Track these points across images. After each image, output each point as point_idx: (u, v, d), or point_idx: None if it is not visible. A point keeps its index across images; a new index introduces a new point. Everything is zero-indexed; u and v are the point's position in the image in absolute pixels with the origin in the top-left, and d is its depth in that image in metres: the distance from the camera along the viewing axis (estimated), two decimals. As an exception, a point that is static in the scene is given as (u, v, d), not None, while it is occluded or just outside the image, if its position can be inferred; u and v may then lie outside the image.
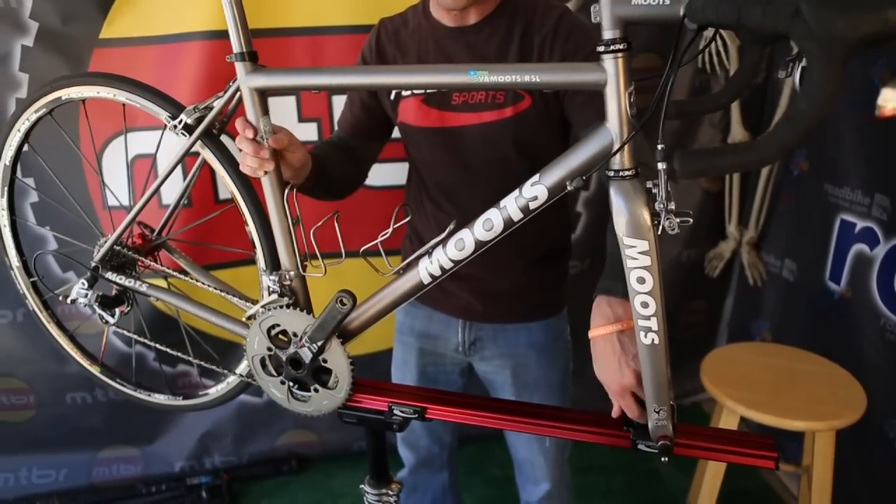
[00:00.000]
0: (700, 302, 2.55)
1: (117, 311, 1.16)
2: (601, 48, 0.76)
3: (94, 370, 1.30)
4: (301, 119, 1.94)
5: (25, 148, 1.17)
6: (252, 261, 1.06)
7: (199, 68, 1.82)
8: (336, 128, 1.40)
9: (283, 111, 1.92)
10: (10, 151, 1.17)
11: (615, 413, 0.96)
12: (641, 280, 0.80)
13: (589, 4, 1.98)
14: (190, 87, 1.83)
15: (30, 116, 1.12)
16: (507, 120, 1.19)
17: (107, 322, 1.16)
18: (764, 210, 2.31)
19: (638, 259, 0.79)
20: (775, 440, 0.92)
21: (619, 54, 0.76)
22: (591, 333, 0.96)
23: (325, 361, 1.02)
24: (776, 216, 2.32)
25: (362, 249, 0.94)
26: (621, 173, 0.79)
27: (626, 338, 0.91)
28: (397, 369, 1.56)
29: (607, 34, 0.75)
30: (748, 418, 1.63)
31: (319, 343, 0.99)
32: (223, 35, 1.67)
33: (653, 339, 0.84)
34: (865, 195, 1.91)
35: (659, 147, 0.72)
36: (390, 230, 0.93)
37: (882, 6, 0.52)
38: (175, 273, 1.14)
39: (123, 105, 1.05)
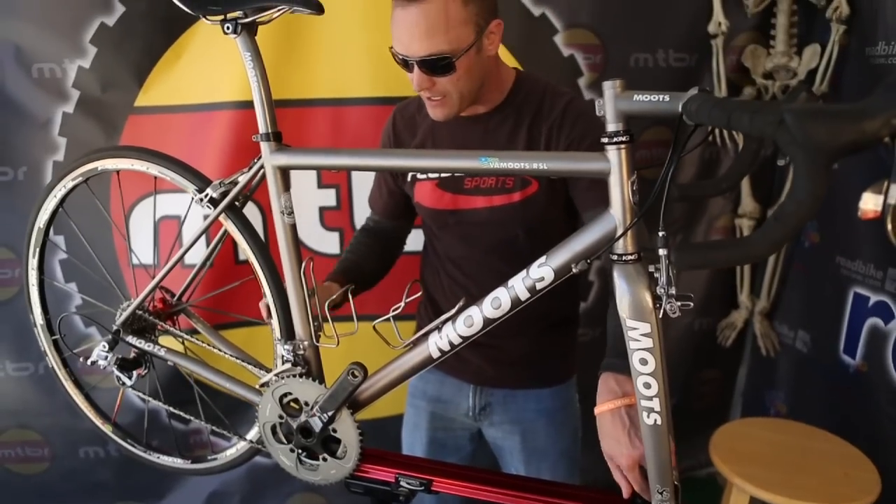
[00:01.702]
0: (714, 371, 2.53)
1: (135, 373, 1.19)
2: (605, 139, 0.80)
3: (107, 429, 1.33)
4: (321, 185, 2.01)
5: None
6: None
7: (226, 136, 1.91)
8: (369, 208, 1.49)
9: (304, 177, 1.99)
10: (44, 215, 1.24)
11: (626, 493, 0.97)
12: (644, 361, 0.83)
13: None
14: (217, 153, 1.91)
15: (66, 184, 1.19)
16: (515, 204, 1.24)
17: (124, 384, 1.20)
18: (776, 280, 2.31)
19: (640, 341, 0.82)
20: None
21: (623, 146, 0.80)
22: (597, 410, 0.97)
23: (334, 431, 1.04)
24: (788, 286, 2.32)
25: (374, 324, 0.97)
26: (624, 258, 0.82)
27: (634, 411, 0.93)
28: (408, 433, 1.57)
29: (611, 127, 0.80)
30: (758, 498, 1.60)
31: (330, 413, 1.02)
32: (250, 105, 1.76)
33: (655, 420, 0.85)
34: (878, 269, 1.91)
35: (660, 234, 0.76)
36: (402, 304, 0.96)
37: (859, 118, 0.56)
38: (193, 339, 1.18)
39: (155, 178, 1.11)
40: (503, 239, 1.28)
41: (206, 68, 1.91)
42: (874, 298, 1.92)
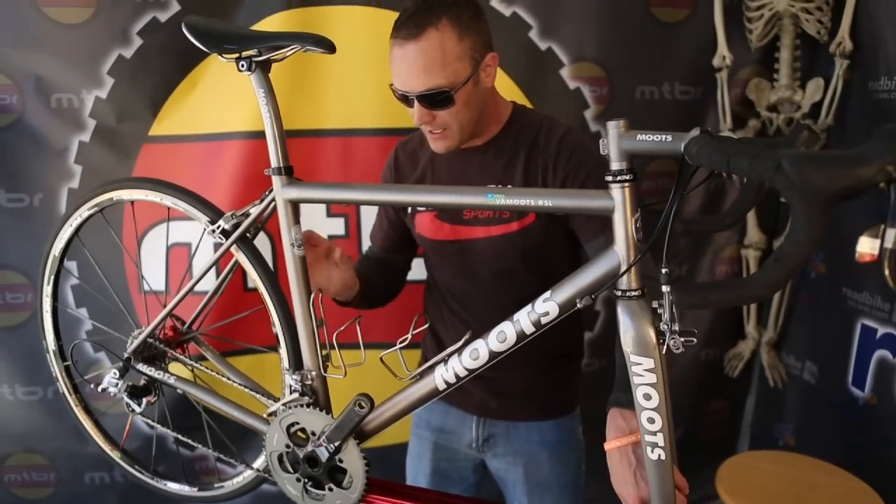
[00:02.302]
0: (721, 402, 2.52)
1: (144, 400, 1.21)
2: (609, 178, 0.82)
3: (115, 455, 1.34)
4: (329, 214, 2.04)
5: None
6: (276, 347, 1.11)
7: (237, 165, 1.94)
8: (369, 242, 1.52)
9: (313, 206, 2.02)
10: (60, 243, 1.26)
11: None
12: (648, 396, 0.83)
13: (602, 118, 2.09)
14: (228, 181, 1.94)
15: (82, 213, 1.22)
16: (513, 234, 1.25)
17: (133, 410, 1.21)
18: (782, 310, 2.31)
19: (644, 376, 0.83)
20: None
21: (626, 184, 0.82)
22: (606, 446, 0.98)
23: (340, 461, 1.05)
24: (795, 317, 2.32)
25: (381, 356, 0.99)
26: (628, 293, 0.83)
27: (640, 449, 0.93)
28: (412, 462, 1.58)
29: (615, 165, 0.82)
30: (767, 531, 1.59)
31: (336, 443, 1.03)
32: (259, 136, 1.78)
33: (659, 455, 0.86)
34: (885, 300, 1.91)
35: (663, 271, 0.77)
36: (409, 336, 0.98)
37: (855, 164, 0.58)
38: (202, 367, 1.19)
39: (168, 208, 1.13)
40: (502, 270, 1.29)
41: (219, 99, 1.95)
42: (882, 330, 1.92)
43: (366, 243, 2.04)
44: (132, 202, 1.18)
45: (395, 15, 1.92)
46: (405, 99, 1.17)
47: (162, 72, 1.93)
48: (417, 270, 1.54)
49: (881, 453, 1.88)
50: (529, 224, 1.25)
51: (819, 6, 2.02)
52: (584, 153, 1.22)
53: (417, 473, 1.55)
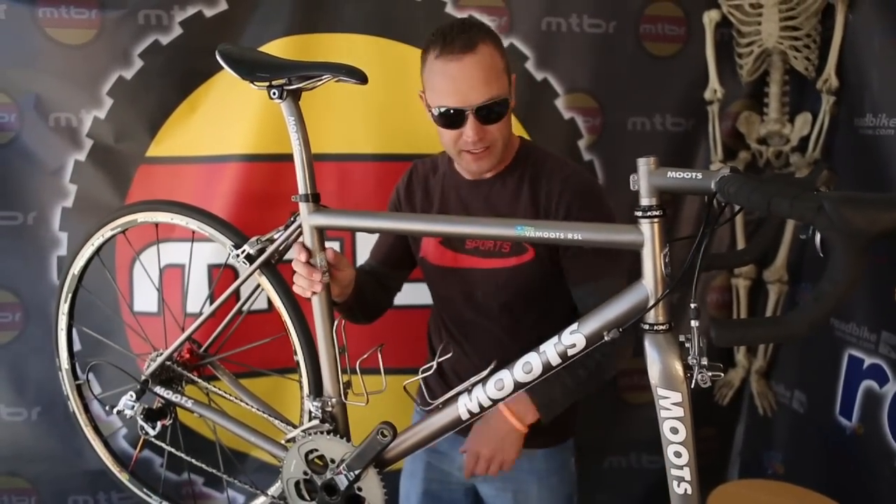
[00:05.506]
0: (710, 429, 2.53)
1: (159, 423, 1.19)
2: (639, 213, 0.84)
3: (123, 477, 1.32)
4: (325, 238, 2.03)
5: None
6: (290, 369, 1.10)
7: (232, 187, 1.93)
8: (368, 256, 1.51)
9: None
10: (80, 262, 1.26)
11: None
12: (675, 430, 0.84)
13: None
14: (223, 202, 1.92)
15: (105, 233, 1.22)
16: (510, 269, 1.27)
17: (147, 433, 1.19)
18: (772, 340, 2.34)
19: (671, 410, 0.84)
20: None
21: (655, 219, 0.83)
22: (502, 408, 1.08)
23: (359, 489, 1.04)
24: (784, 346, 2.35)
25: (405, 384, 0.99)
26: (655, 327, 0.84)
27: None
28: (405, 480, 1.57)
29: (644, 201, 0.83)
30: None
31: (357, 471, 1.02)
32: (256, 158, 1.77)
33: (686, 490, 0.86)
34: (872, 332, 1.95)
35: (692, 306, 0.79)
36: (435, 364, 0.98)
37: (893, 207, 0.60)
38: (220, 392, 1.18)
39: (193, 232, 1.13)
40: (499, 302, 1.31)
41: (218, 122, 1.95)
42: (868, 361, 1.96)
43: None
44: (156, 224, 1.18)
45: (395, 44, 1.96)
46: (455, 118, 1.16)
47: (161, 94, 1.93)
48: (424, 296, 1.53)
49: (867, 483, 1.91)
50: (526, 261, 1.27)
51: (807, 44, 2.09)
52: (587, 192, 1.26)
53: (409, 492, 1.54)
